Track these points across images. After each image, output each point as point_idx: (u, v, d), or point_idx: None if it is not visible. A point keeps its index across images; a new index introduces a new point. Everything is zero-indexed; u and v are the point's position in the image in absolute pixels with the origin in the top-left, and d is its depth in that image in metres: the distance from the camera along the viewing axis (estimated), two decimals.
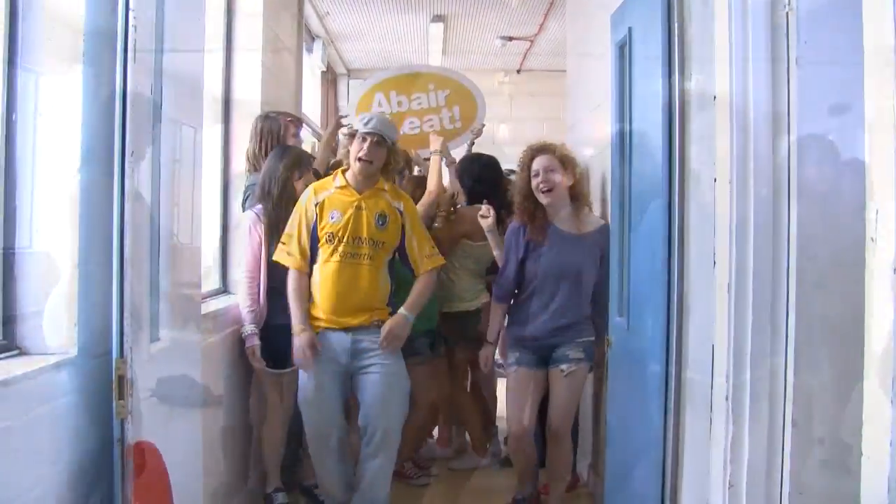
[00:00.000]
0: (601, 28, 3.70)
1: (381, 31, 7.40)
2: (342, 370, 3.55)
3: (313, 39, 6.89)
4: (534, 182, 3.65)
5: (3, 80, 2.10)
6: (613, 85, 3.24)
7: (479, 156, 4.75)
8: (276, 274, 3.69)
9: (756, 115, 2.39)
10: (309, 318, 3.54)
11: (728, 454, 2.44)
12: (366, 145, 3.53)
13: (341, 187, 3.59)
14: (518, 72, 8.77)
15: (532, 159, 3.69)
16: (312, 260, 3.58)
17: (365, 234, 3.53)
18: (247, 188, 4.09)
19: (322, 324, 3.53)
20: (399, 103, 4.80)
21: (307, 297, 3.55)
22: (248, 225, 3.82)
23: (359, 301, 3.54)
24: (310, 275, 3.57)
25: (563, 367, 3.64)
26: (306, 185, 3.74)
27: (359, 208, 3.55)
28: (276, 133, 4.16)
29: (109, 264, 2.22)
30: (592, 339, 3.72)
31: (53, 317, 2.14)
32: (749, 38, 2.40)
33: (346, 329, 3.52)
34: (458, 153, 4.91)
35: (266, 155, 4.01)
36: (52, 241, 2.16)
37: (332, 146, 4.60)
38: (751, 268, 2.39)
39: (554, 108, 7.49)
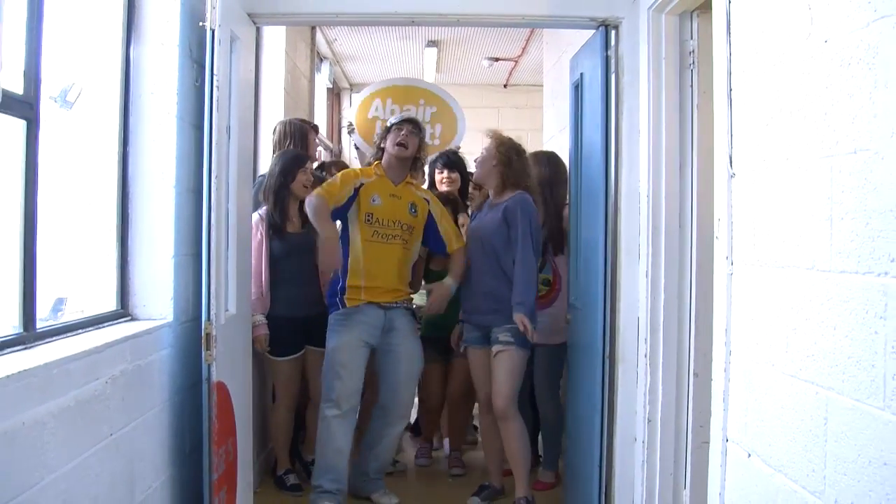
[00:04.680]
0: (568, 64, 4.45)
1: (382, 54, 7.93)
2: (373, 343, 3.89)
3: (321, 61, 7.56)
4: None
5: (120, 125, 2.94)
6: (570, 116, 4.05)
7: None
8: (277, 270, 4.03)
9: (668, 145, 3.21)
10: (349, 291, 3.84)
11: (647, 397, 3.26)
12: (402, 133, 3.92)
13: (380, 176, 3.94)
14: (504, 86, 9.43)
15: None
16: (344, 237, 3.88)
17: (400, 219, 3.90)
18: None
19: (362, 298, 3.84)
20: (392, 111, 5.05)
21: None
22: (252, 225, 3.91)
23: (393, 279, 3.91)
24: (346, 252, 3.83)
25: (494, 348, 3.89)
26: (305, 185, 4.03)
27: (394, 196, 3.91)
28: (296, 135, 4.36)
29: (194, 255, 3.06)
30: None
31: (155, 293, 2.98)
32: (662, 88, 3.21)
33: (381, 305, 3.89)
34: None
35: None
36: (153, 240, 2.97)
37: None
38: (663, 260, 3.22)
39: (536, 120, 8.15)
